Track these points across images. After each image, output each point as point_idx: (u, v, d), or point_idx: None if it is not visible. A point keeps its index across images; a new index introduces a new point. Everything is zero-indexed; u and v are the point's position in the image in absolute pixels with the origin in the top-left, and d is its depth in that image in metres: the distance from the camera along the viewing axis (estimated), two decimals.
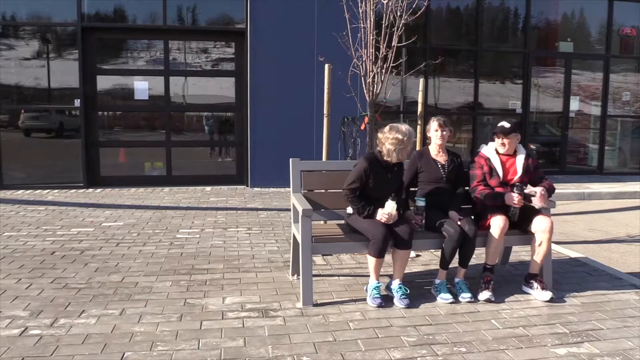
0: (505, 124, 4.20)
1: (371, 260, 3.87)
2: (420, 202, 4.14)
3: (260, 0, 8.56)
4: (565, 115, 10.84)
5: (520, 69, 10.46)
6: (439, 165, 4.30)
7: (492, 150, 4.29)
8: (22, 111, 8.74)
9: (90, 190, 8.44)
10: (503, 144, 4.21)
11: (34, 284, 4.20)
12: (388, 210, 3.85)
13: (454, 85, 10.29)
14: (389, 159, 3.95)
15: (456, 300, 3.94)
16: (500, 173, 4.21)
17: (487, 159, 4.26)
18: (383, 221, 3.87)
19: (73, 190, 8.35)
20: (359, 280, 4.39)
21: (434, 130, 4.32)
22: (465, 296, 3.95)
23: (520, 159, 4.25)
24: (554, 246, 5.12)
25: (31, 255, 4.95)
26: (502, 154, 4.27)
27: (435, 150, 4.35)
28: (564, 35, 10.80)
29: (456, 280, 4.11)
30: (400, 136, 3.87)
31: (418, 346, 3.21)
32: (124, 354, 3.05)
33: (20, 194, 8.06)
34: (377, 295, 3.85)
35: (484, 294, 3.96)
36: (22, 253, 5.02)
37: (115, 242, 5.46)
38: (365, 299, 3.92)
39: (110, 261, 4.81)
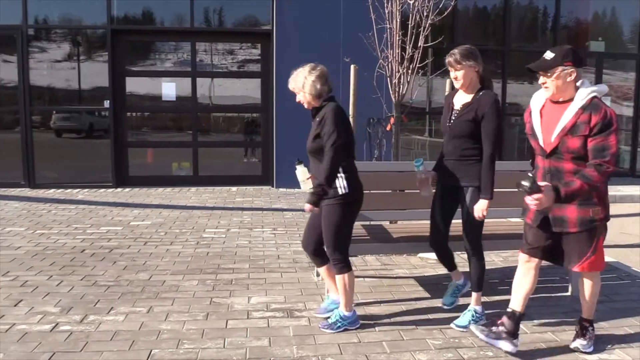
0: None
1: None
2: (416, 164, 3.50)
3: (287, 1, 8.59)
4: None
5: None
6: (452, 110, 3.42)
7: (539, 96, 3.08)
8: (54, 112, 8.95)
9: (119, 189, 8.59)
10: (544, 82, 2.94)
11: (65, 281, 4.29)
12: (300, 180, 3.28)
13: None
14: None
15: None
16: (539, 134, 2.99)
17: (530, 112, 3.11)
18: (306, 210, 3.25)
19: (102, 190, 8.51)
20: (383, 281, 4.37)
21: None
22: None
23: (571, 109, 2.87)
24: None
25: (62, 253, 5.06)
26: (551, 101, 3.00)
27: (459, 94, 3.47)
28: (595, 35, 10.57)
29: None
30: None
31: (444, 349, 3.18)
32: (151, 351, 3.10)
33: (51, 192, 8.25)
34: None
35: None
36: (53, 250, 5.14)
37: (143, 240, 5.54)
38: (390, 301, 3.90)
39: (138, 259, 4.88)
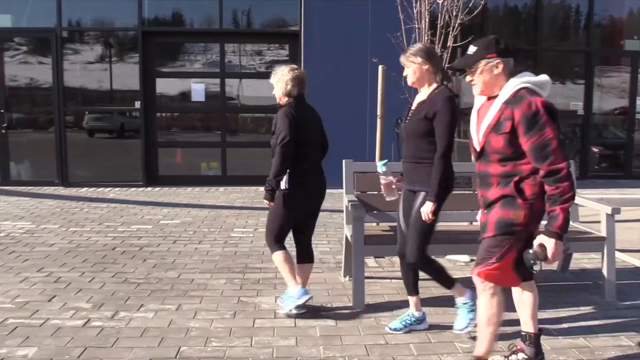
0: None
1: None
2: (380, 165, 3.44)
3: (314, 2, 8.61)
4: (631, 116, 10.33)
5: (582, 68, 10.05)
6: (409, 110, 3.34)
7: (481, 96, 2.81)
8: (87, 112, 9.16)
9: (149, 188, 8.73)
10: (471, 80, 2.70)
11: (97, 277, 4.38)
12: None
13: None
14: None
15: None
16: (474, 135, 2.74)
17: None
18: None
19: (133, 189, 8.66)
20: None
21: None
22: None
23: (495, 105, 2.62)
24: (618, 254, 4.89)
25: (94, 250, 5.16)
26: (487, 98, 2.72)
27: (419, 94, 3.35)
28: (630, 33, 10.30)
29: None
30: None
31: (472, 353, 3.14)
32: (179, 348, 3.14)
33: (84, 191, 8.44)
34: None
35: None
36: (85, 248, 5.25)
37: (172, 239, 5.62)
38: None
39: (168, 258, 4.95)
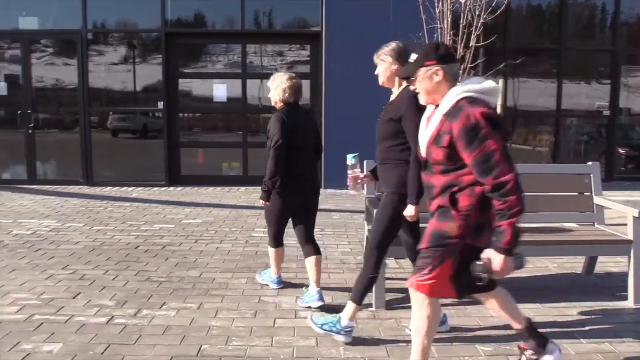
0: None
1: None
2: (349, 157, 3.46)
3: (336, 2, 8.61)
4: None
5: (608, 68, 9.86)
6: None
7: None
8: (111, 113, 9.30)
9: (171, 188, 8.83)
10: (415, 88, 2.65)
11: (120, 275, 4.45)
12: None
13: (534, 86, 9.87)
14: None
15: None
16: (422, 144, 2.66)
17: None
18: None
19: (155, 188, 8.77)
20: None
21: None
22: None
23: (436, 116, 2.54)
24: None
25: (117, 249, 5.24)
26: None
27: None
28: None
29: None
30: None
31: (494, 356, 3.11)
32: (201, 346, 3.17)
33: (108, 190, 8.57)
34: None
35: None
36: (109, 246, 5.33)
37: (194, 238, 5.67)
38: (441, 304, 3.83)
39: (189, 257, 5.00)
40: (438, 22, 5.14)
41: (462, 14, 5.10)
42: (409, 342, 3.24)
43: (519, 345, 2.95)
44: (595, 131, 10.10)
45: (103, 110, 9.25)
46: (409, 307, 3.76)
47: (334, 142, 8.64)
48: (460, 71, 5.06)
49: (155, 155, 9.06)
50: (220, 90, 9.16)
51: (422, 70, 2.54)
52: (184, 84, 9.20)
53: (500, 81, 5.41)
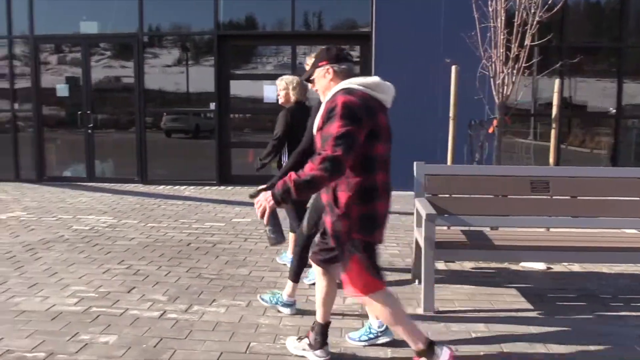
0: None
1: None
2: None
3: (386, 2, 8.55)
4: None
5: None
6: None
7: None
8: (165, 114, 9.57)
9: (222, 187, 9.00)
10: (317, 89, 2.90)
11: (172, 271, 4.57)
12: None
13: (593, 86, 9.49)
14: None
15: None
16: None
17: None
18: None
19: (207, 187, 8.97)
20: (482, 289, 4.21)
21: None
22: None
23: (322, 109, 2.66)
24: None
25: (170, 245, 5.39)
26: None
27: None
28: None
29: None
30: None
31: None
32: (249, 343, 3.21)
33: (161, 189, 8.83)
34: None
35: None
36: (162, 243, 5.49)
37: (243, 237, 5.76)
38: (489, 310, 3.75)
39: (239, 255, 5.09)
40: (492, 20, 5.02)
41: (516, 12, 4.96)
42: (459, 348, 3.18)
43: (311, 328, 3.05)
44: None
45: (157, 111, 9.53)
46: (459, 312, 3.71)
47: None
48: (515, 70, 4.93)
49: (206, 155, 9.26)
50: (270, 92, 9.26)
51: (317, 71, 2.79)
52: (235, 85, 9.36)
53: (557, 81, 5.23)
